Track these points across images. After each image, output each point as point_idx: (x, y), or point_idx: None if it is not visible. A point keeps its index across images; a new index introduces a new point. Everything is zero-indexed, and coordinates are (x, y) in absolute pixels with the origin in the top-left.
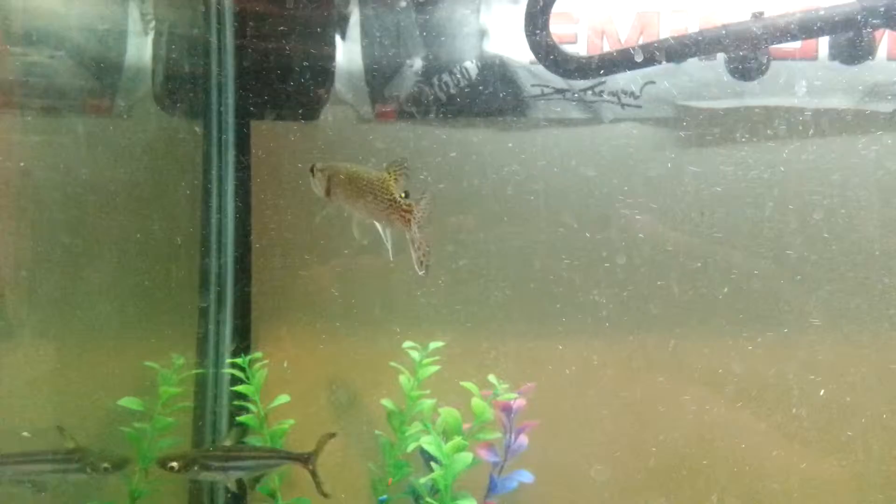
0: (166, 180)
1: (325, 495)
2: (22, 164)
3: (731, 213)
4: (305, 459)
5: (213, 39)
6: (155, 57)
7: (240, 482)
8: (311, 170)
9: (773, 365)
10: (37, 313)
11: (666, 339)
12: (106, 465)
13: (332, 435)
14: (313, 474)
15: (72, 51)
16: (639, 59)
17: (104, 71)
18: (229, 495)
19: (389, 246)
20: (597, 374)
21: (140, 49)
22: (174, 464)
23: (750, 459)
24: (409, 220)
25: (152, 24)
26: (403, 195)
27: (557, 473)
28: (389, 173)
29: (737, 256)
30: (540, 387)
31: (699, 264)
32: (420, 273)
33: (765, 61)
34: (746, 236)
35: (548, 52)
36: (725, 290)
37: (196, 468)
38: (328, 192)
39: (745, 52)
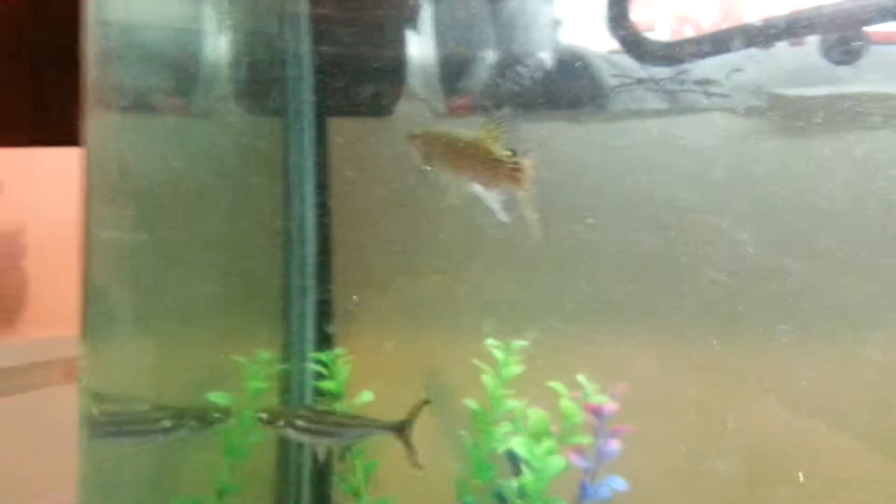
0: (249, 179)
1: (418, 467)
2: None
3: (825, 209)
4: (399, 429)
5: (289, 38)
6: (231, 55)
7: (328, 453)
8: (409, 136)
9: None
10: (137, 306)
11: (752, 346)
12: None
13: (427, 402)
14: (407, 444)
15: (152, 49)
16: (731, 43)
17: (182, 70)
18: (315, 491)
19: (497, 209)
20: (679, 381)
21: (217, 49)
22: (263, 415)
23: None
24: (518, 179)
25: (229, 23)
26: (510, 153)
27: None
28: (487, 131)
29: (836, 258)
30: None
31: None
32: (537, 237)
33: (862, 44)
34: (842, 236)
35: (631, 39)
36: (822, 295)
37: (283, 423)
38: (427, 159)
39: (842, 34)
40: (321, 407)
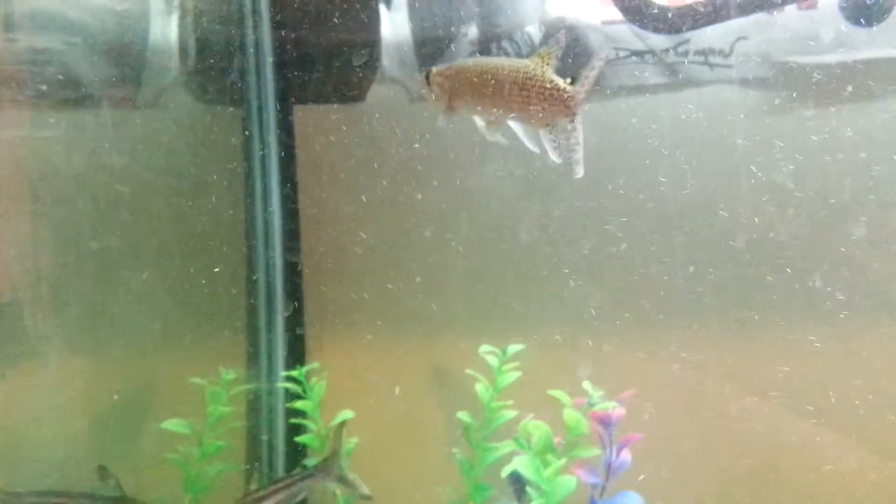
0: (204, 175)
1: (366, 498)
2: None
3: (840, 187)
4: (326, 470)
5: (248, 17)
6: (182, 39)
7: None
8: (427, 77)
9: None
10: (65, 326)
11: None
12: None
13: (343, 424)
14: (342, 480)
15: (88, 36)
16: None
17: (125, 57)
18: None
19: (551, 148)
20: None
21: (165, 31)
22: None
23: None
24: (573, 108)
25: (177, 1)
26: (569, 81)
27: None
28: (542, 58)
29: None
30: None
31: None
32: (579, 174)
33: (888, 3)
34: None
35: (635, 6)
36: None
37: None
38: (451, 99)
39: None
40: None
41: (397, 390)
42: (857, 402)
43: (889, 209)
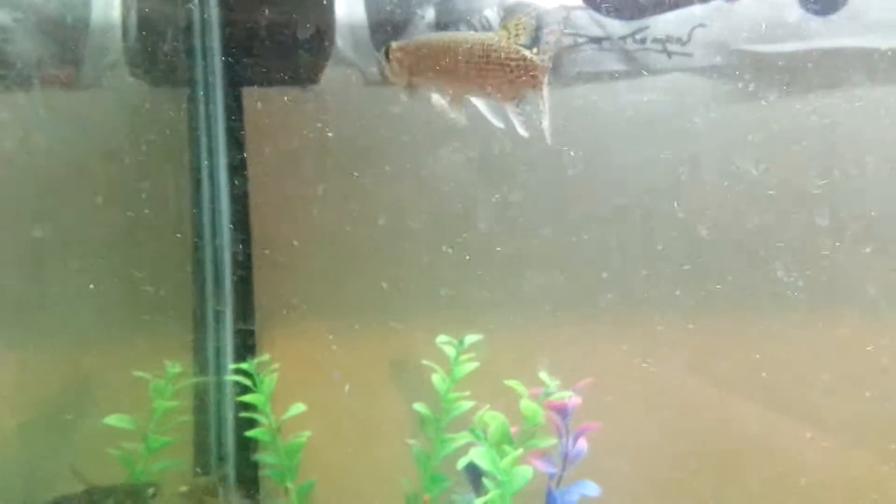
0: (147, 160)
1: None
2: None
3: (797, 174)
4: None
5: None
6: (125, 16)
7: None
8: (386, 53)
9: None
10: None
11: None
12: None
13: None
14: None
15: (26, 11)
16: None
17: (66, 34)
18: None
19: (519, 123)
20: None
21: (107, 7)
22: None
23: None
24: (539, 80)
25: None
26: (535, 52)
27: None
28: (508, 30)
29: (813, 231)
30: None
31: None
32: (549, 141)
33: None
34: (818, 204)
35: None
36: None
37: None
38: (412, 75)
39: None
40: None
41: (347, 388)
42: (822, 393)
43: (851, 197)
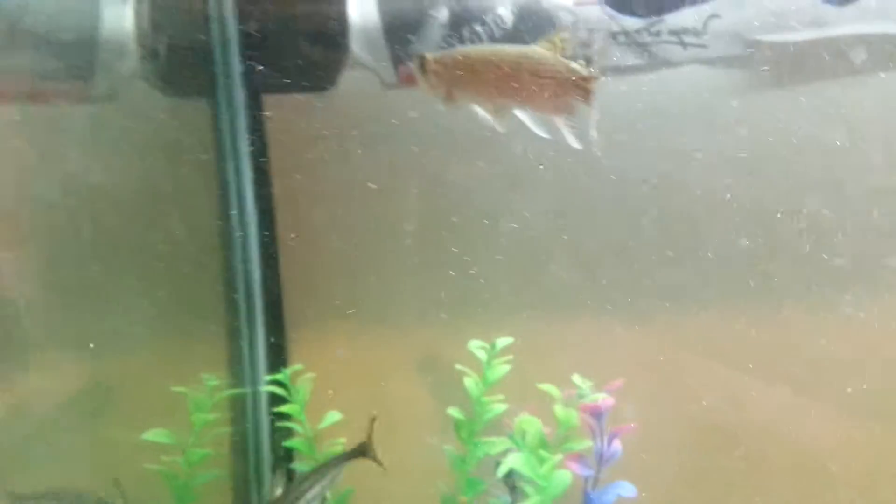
0: (171, 173)
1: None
2: None
3: (813, 163)
4: (363, 451)
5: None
6: (139, 27)
7: None
8: (421, 63)
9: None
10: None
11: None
12: None
13: (374, 419)
14: (376, 460)
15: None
16: None
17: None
18: None
19: (568, 133)
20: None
21: (120, 18)
22: None
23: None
24: (589, 93)
25: None
26: (583, 63)
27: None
28: (553, 42)
29: (827, 219)
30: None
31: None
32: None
33: None
34: (834, 191)
35: None
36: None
37: None
38: (450, 87)
39: None
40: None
41: (377, 389)
42: (853, 381)
43: (866, 183)
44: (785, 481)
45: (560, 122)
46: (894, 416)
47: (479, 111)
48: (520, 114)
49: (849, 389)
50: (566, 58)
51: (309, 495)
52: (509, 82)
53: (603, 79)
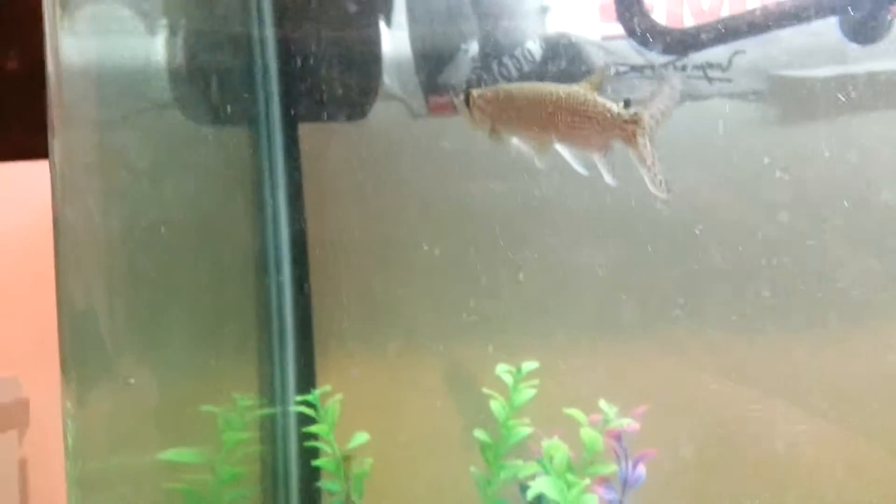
0: (211, 199)
1: None
2: None
3: (835, 197)
4: None
5: (255, 33)
6: (173, 57)
7: None
8: (466, 100)
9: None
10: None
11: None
12: None
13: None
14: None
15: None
16: (753, 26)
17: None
18: None
19: (607, 171)
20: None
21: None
22: None
23: None
24: (634, 133)
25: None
26: (622, 104)
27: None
28: (591, 84)
29: (846, 252)
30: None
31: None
32: (663, 196)
33: (888, 20)
34: (852, 228)
35: (643, 26)
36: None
37: None
38: (494, 122)
39: (866, 12)
40: None
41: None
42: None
43: (890, 220)
44: None
45: (597, 159)
46: None
47: (522, 145)
48: (560, 149)
49: (880, 421)
50: (605, 97)
51: None
52: (553, 121)
53: (648, 117)
